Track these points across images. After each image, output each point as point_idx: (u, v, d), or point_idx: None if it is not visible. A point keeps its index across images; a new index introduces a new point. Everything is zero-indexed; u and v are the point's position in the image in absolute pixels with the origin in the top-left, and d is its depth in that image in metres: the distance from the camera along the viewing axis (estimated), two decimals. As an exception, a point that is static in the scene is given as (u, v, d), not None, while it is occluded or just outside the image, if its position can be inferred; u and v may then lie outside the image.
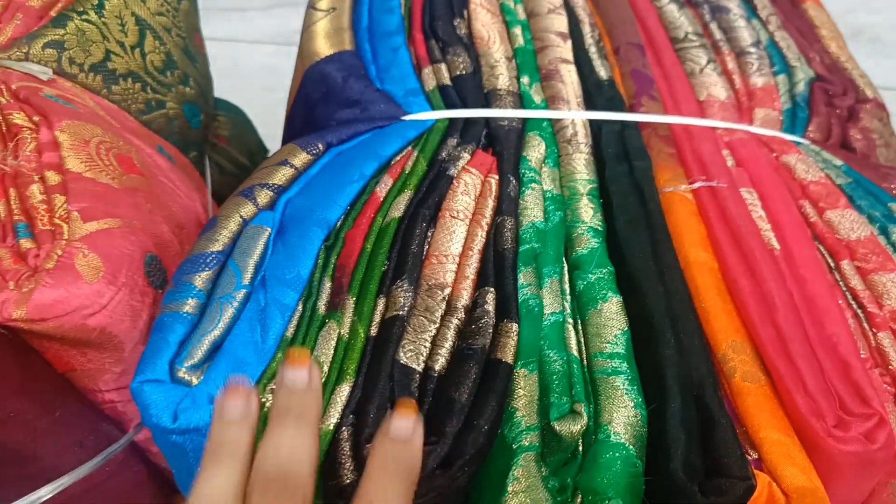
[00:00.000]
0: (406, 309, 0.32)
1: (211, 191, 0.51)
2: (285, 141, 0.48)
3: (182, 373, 0.29)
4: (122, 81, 0.47)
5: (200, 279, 0.32)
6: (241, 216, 0.35)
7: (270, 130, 0.73)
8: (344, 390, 0.29)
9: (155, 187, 0.40)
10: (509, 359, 0.31)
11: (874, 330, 0.34)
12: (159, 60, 0.49)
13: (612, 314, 0.33)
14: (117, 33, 0.47)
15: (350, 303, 0.32)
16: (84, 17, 0.46)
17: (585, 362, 0.33)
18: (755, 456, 0.30)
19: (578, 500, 0.29)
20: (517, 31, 0.47)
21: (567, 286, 0.35)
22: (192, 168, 0.49)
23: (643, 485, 0.29)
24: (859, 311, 0.35)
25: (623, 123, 0.41)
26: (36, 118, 0.40)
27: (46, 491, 0.36)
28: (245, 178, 0.62)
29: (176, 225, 0.39)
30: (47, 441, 0.34)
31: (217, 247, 0.34)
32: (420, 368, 0.31)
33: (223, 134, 0.59)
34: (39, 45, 0.44)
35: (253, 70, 0.62)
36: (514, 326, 0.32)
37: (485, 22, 0.47)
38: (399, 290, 0.32)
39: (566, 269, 0.36)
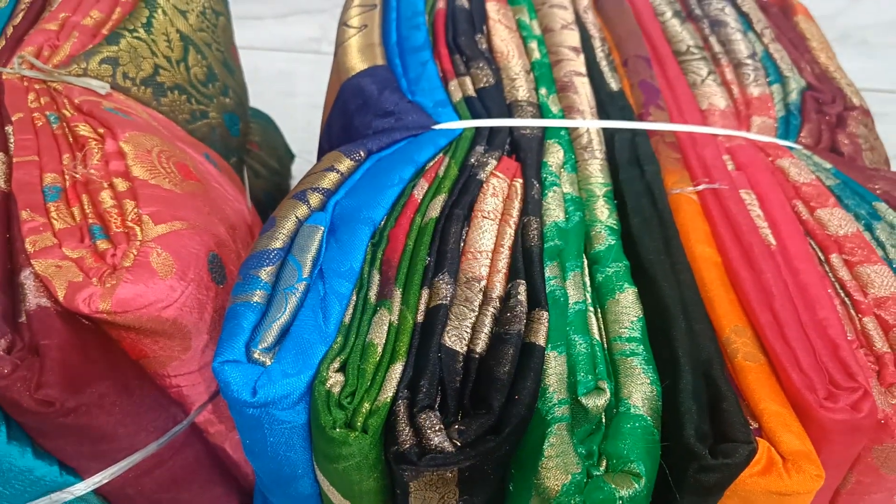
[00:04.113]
0: (448, 299, 0.36)
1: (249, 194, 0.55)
2: (322, 146, 0.52)
3: (257, 354, 0.33)
4: (169, 94, 0.51)
5: (265, 272, 0.36)
6: (296, 216, 0.39)
7: (290, 135, 0.77)
8: (397, 368, 0.34)
9: (209, 192, 0.44)
10: (542, 342, 0.35)
11: (860, 315, 0.38)
12: (202, 73, 0.53)
13: (628, 303, 0.38)
14: (164, 49, 0.51)
15: (397, 293, 0.37)
16: (135, 34, 0.50)
17: (606, 345, 0.37)
18: (755, 425, 0.34)
19: (604, 464, 0.33)
20: (533, 45, 0.51)
21: (587, 279, 0.39)
22: (234, 173, 0.53)
23: (660, 450, 0.33)
24: (846, 299, 0.39)
25: (633, 131, 0.46)
26: (101, 130, 0.44)
27: (119, 467, 0.40)
28: (276, 181, 0.66)
29: (230, 226, 0.43)
30: (125, 421, 0.38)
31: (278, 244, 0.38)
32: (463, 350, 0.35)
33: (255, 140, 0.63)
34: (96, 62, 0.48)
35: (271, 76, 0.66)
36: (545, 314, 0.36)
37: (503, 37, 0.51)
38: (441, 282, 0.37)
39: (586, 263, 0.40)
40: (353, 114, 0.47)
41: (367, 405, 0.33)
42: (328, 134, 0.50)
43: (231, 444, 0.45)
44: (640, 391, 0.34)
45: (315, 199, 0.40)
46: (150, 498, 0.43)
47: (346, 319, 0.36)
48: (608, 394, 0.34)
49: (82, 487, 0.39)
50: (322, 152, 0.52)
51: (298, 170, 0.75)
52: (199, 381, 0.41)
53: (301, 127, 0.75)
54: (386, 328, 0.35)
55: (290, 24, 0.92)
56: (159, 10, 0.51)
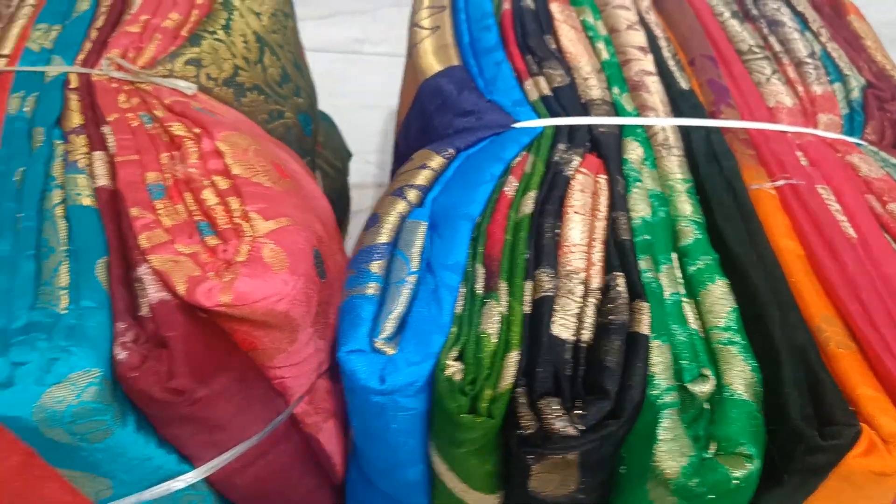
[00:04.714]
0: (552, 291, 0.38)
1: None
2: (399, 146, 0.53)
3: (379, 344, 0.35)
4: (248, 94, 0.52)
5: (376, 266, 0.38)
6: (398, 212, 0.41)
7: (342, 134, 0.78)
8: (513, 357, 0.35)
9: (302, 190, 0.45)
10: (646, 331, 0.36)
11: (939, 305, 0.40)
12: (277, 74, 0.54)
13: (721, 294, 0.39)
14: (242, 50, 0.52)
15: (503, 286, 0.38)
16: (215, 36, 0.51)
17: (703, 335, 0.38)
18: (853, 410, 0.36)
19: (712, 447, 0.35)
20: (600, 45, 0.53)
21: (678, 272, 0.41)
22: (311, 172, 0.54)
23: (765, 434, 0.35)
24: (925, 289, 0.41)
25: (707, 128, 0.47)
26: (196, 130, 0.45)
27: (230, 455, 0.41)
28: (340, 179, 0.67)
29: (323, 223, 0.45)
30: (240, 411, 0.39)
31: (384, 239, 0.39)
32: (571, 339, 0.36)
33: (320, 140, 0.64)
34: (181, 63, 0.49)
35: (319, 78, 0.67)
36: (645, 305, 0.37)
37: (571, 38, 0.53)
38: (543, 274, 0.38)
39: (675, 257, 0.42)
40: (432, 114, 0.49)
41: (489, 392, 0.34)
42: (406, 134, 0.51)
43: (324, 435, 0.47)
44: (742, 378, 0.36)
45: (413, 196, 0.42)
46: (253, 488, 0.44)
47: (458, 310, 0.37)
48: (713, 380, 0.36)
49: (195, 475, 0.40)
50: (399, 151, 0.53)
51: (353, 168, 0.76)
52: (302, 372, 0.43)
53: (350, 127, 0.76)
54: (497, 319, 0.37)
55: (332, 26, 0.93)
56: (236, 13, 0.53)
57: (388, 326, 0.36)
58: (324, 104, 0.79)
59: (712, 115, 0.49)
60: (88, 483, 0.38)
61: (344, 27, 0.93)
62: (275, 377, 0.42)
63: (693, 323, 0.39)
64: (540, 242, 0.40)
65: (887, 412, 0.35)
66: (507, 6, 0.55)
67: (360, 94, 0.85)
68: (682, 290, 0.40)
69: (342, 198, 0.68)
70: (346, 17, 0.94)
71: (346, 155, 0.71)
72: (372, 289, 0.37)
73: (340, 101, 0.77)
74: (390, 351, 0.35)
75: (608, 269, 0.39)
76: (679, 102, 0.49)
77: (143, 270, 0.38)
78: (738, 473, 0.33)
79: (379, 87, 0.89)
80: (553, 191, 0.42)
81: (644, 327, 0.36)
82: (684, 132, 0.47)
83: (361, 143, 0.77)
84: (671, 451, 0.33)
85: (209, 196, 0.42)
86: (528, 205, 0.42)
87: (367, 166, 0.83)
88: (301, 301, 0.39)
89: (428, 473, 0.39)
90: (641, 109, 0.49)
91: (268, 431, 0.42)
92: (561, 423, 0.33)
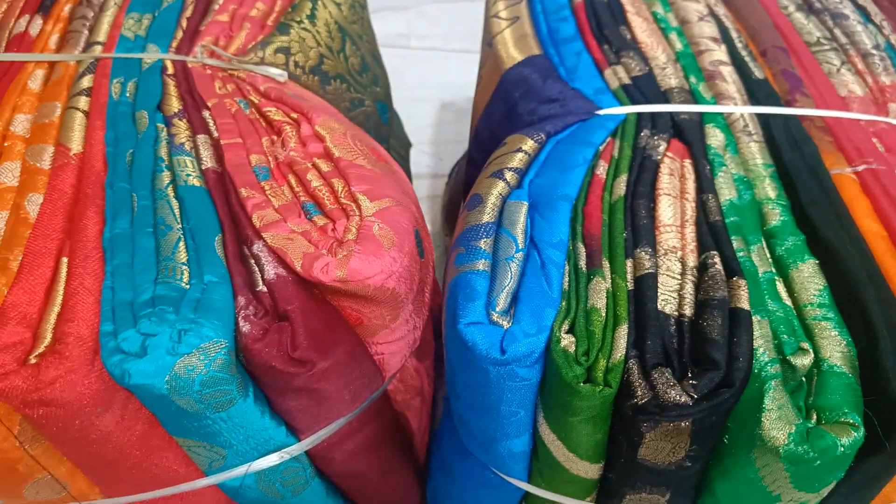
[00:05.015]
0: (653, 268, 0.39)
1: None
2: (480, 132, 0.54)
3: (496, 317, 0.36)
4: (332, 82, 0.54)
5: (484, 244, 0.39)
6: (498, 192, 0.42)
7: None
8: (623, 330, 0.36)
9: (396, 174, 0.47)
10: (746, 306, 0.38)
11: None
12: (357, 63, 0.56)
13: (811, 272, 0.41)
14: (326, 39, 0.54)
15: (606, 263, 0.40)
16: (301, 25, 0.53)
17: (797, 312, 0.40)
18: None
19: (813, 417, 0.36)
20: (673, 36, 0.54)
21: (767, 252, 0.42)
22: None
23: (863, 404, 0.36)
24: None
25: (785, 116, 0.49)
26: (293, 115, 0.47)
27: (331, 428, 0.43)
28: (405, 167, 0.68)
29: (416, 206, 0.46)
30: (347, 385, 0.41)
31: (488, 218, 0.41)
32: (674, 314, 0.38)
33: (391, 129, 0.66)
34: (272, 50, 0.51)
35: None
36: (743, 282, 0.39)
37: (644, 29, 0.54)
38: (643, 253, 0.40)
39: (763, 238, 0.43)
40: (517, 101, 0.50)
41: (603, 362, 0.35)
42: (488, 120, 0.53)
43: (412, 412, 0.48)
44: (839, 351, 0.37)
45: (511, 177, 0.43)
46: (348, 463, 0.45)
47: (565, 286, 0.38)
48: (812, 354, 0.37)
49: (300, 447, 0.42)
50: (480, 138, 0.54)
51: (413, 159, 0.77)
52: (399, 349, 0.44)
53: (402, 119, 0.77)
54: (604, 294, 0.38)
55: (377, 21, 0.94)
56: (319, 3, 0.54)
57: (502, 300, 0.37)
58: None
59: (787, 104, 0.50)
60: (204, 453, 0.40)
61: (389, 22, 0.94)
62: (376, 353, 0.43)
63: (787, 300, 0.40)
64: (636, 223, 0.41)
65: (982, 384, 0.37)
66: (578, -1, 0.56)
67: (409, 88, 0.86)
68: (774, 269, 0.41)
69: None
70: (391, 12, 0.96)
71: (408, 144, 0.72)
72: (482, 265, 0.38)
73: (399, 94, 0.78)
74: (506, 324, 0.36)
75: (702, 248, 0.41)
76: (755, 91, 0.50)
77: (258, 248, 0.39)
78: (844, 441, 0.34)
79: (426, 81, 0.90)
80: (643, 174, 0.44)
81: (744, 303, 0.38)
82: (762, 120, 0.49)
83: (414, 134, 0.79)
84: (779, 420, 0.35)
85: (313, 178, 0.43)
86: (621, 187, 0.43)
87: (422, 156, 0.84)
88: (406, 278, 0.41)
89: (531, 445, 0.41)
90: (719, 98, 0.50)
91: (365, 406, 0.44)
92: (675, 392, 0.34)
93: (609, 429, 0.38)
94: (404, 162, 0.67)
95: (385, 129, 0.59)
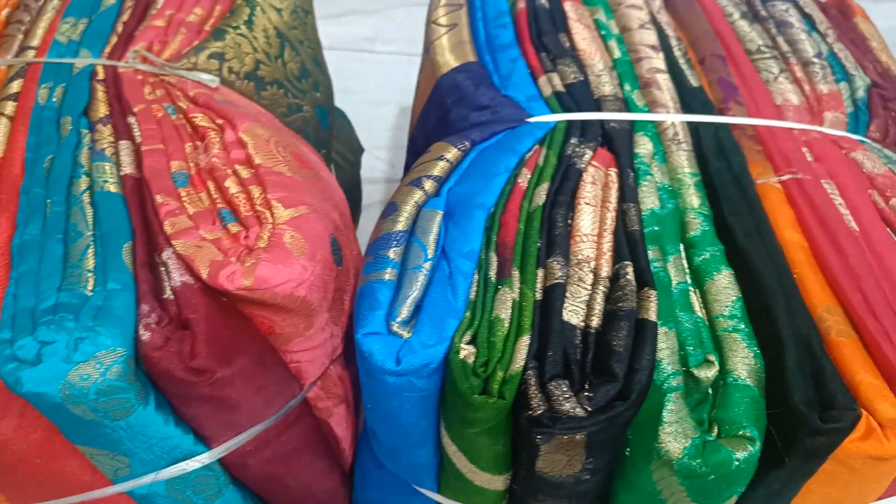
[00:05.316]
0: (563, 278, 0.39)
1: (335, 184, 0.58)
2: (416, 138, 0.54)
3: (395, 327, 0.36)
4: (269, 88, 0.54)
5: (393, 252, 0.39)
6: (415, 201, 0.42)
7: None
8: (525, 341, 0.36)
9: (320, 180, 0.47)
10: (653, 318, 0.37)
11: (940, 298, 0.41)
12: (296, 69, 0.56)
13: (726, 284, 0.40)
14: (263, 45, 0.54)
15: (516, 273, 0.39)
16: (238, 30, 0.52)
17: (708, 323, 0.40)
18: (852, 395, 0.37)
19: (714, 430, 0.36)
20: (613, 44, 0.54)
21: (685, 262, 0.42)
22: (326, 164, 0.56)
23: (766, 418, 0.36)
24: (926, 283, 0.42)
25: (716, 125, 0.48)
26: (219, 121, 0.46)
27: (245, 436, 0.43)
28: (352, 172, 0.68)
29: (340, 213, 0.46)
30: (257, 393, 0.40)
31: (401, 227, 0.40)
32: (581, 325, 0.37)
33: (334, 134, 0.66)
34: (205, 56, 0.51)
35: (331, 75, 0.68)
36: (653, 293, 0.38)
37: (584, 36, 0.54)
38: (554, 263, 0.39)
39: (682, 248, 0.43)
40: (450, 107, 0.50)
41: (500, 374, 0.35)
42: (423, 126, 0.53)
43: (335, 420, 0.48)
44: (745, 364, 0.37)
45: (430, 186, 0.43)
46: (265, 470, 0.45)
47: (472, 296, 0.38)
48: (717, 366, 0.37)
49: (210, 455, 0.42)
50: (415, 143, 0.54)
51: (365, 163, 0.77)
52: (316, 357, 0.44)
53: (360, 123, 0.77)
54: (510, 304, 0.38)
55: (343, 25, 0.95)
56: (258, 8, 0.54)
57: (405, 310, 0.37)
58: (337, 101, 0.81)
59: (721, 112, 0.50)
60: (107, 461, 0.40)
61: (355, 26, 0.94)
62: (291, 361, 0.43)
63: (699, 311, 0.40)
64: (552, 232, 0.41)
65: (886, 398, 0.36)
66: (522, 5, 0.56)
67: (371, 92, 0.86)
68: (689, 280, 0.41)
69: (354, 191, 0.69)
70: (357, 16, 0.96)
71: (359, 149, 0.72)
72: (389, 274, 0.38)
73: (351, 98, 0.78)
74: (406, 334, 0.36)
75: (618, 258, 0.40)
76: (689, 99, 0.50)
77: (167, 255, 0.39)
78: (740, 455, 0.34)
79: (389, 85, 0.90)
80: (565, 183, 0.44)
81: (652, 314, 0.38)
82: (693, 128, 0.48)
83: (372, 139, 0.79)
84: (675, 433, 0.35)
85: (231, 185, 0.43)
86: (541, 196, 0.43)
87: (377, 162, 0.84)
88: (318, 286, 0.41)
89: (438, 456, 0.41)
90: (652, 106, 0.50)
91: (282, 414, 0.44)
92: (569, 405, 0.34)
93: (510, 441, 0.37)
94: (352, 167, 0.67)
95: (325, 134, 0.59)
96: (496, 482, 0.39)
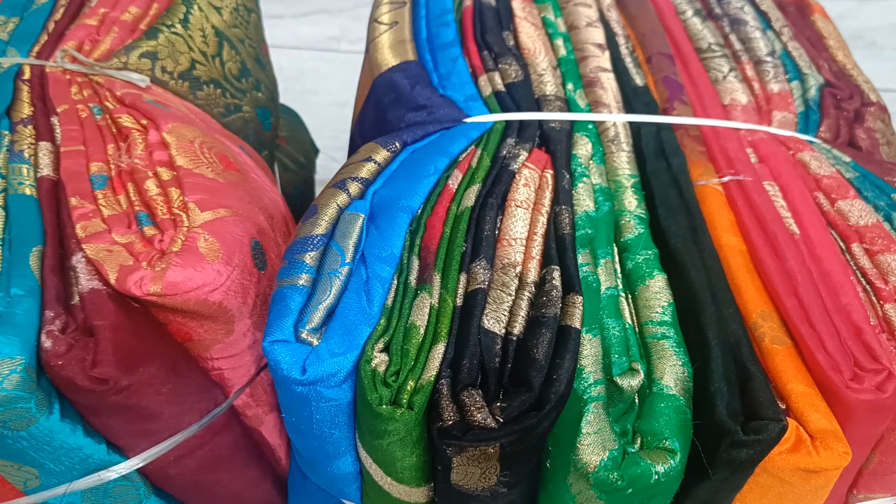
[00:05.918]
0: (486, 284, 0.37)
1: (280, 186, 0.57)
2: (354, 139, 0.53)
3: (304, 335, 0.35)
4: (205, 87, 0.52)
5: (309, 257, 0.38)
6: (337, 204, 0.40)
7: (313, 131, 0.78)
8: (439, 349, 0.35)
9: (249, 182, 0.45)
10: (577, 325, 0.36)
11: (881, 302, 0.40)
12: (236, 68, 0.54)
13: (658, 289, 0.39)
14: (200, 44, 0.52)
15: (437, 278, 0.38)
16: (172, 29, 0.51)
17: (637, 329, 0.38)
18: (783, 406, 0.36)
19: (638, 441, 0.35)
20: (559, 42, 0.52)
21: (618, 266, 0.41)
22: (266, 166, 0.54)
23: (692, 428, 0.35)
24: (868, 287, 0.41)
25: (659, 125, 0.47)
26: (143, 121, 0.45)
27: (164, 446, 0.41)
28: (303, 174, 0.67)
29: (268, 215, 0.45)
30: (172, 402, 0.39)
31: (320, 230, 0.39)
32: (501, 333, 0.36)
33: (283, 135, 0.65)
34: (136, 56, 0.49)
35: (292, 74, 0.67)
36: (579, 298, 0.37)
37: (529, 34, 0.52)
38: (478, 267, 0.38)
39: (616, 251, 0.41)
40: (386, 107, 0.48)
41: (411, 383, 0.34)
42: (361, 127, 0.51)
43: (267, 427, 0.47)
44: (672, 372, 0.36)
45: (354, 188, 0.42)
46: (190, 479, 0.44)
47: (389, 302, 0.37)
48: (642, 374, 0.36)
49: (127, 466, 0.40)
50: (354, 144, 0.53)
51: (322, 164, 0.76)
52: (240, 364, 0.43)
53: (324, 124, 0.76)
54: (427, 311, 0.36)
55: (309, 24, 0.93)
56: (195, 6, 0.53)
57: (316, 317, 0.35)
58: (299, 101, 0.79)
59: (665, 112, 0.49)
60: (15, 472, 0.38)
61: (321, 25, 0.93)
62: (212, 368, 0.42)
63: (628, 317, 0.38)
64: (479, 236, 0.40)
65: (817, 408, 0.35)
66: (468, 2, 0.55)
67: (336, 92, 0.85)
68: (620, 285, 0.40)
69: (306, 193, 0.68)
70: (324, 15, 0.94)
71: (313, 150, 0.71)
72: (303, 279, 0.37)
73: (316, 98, 0.77)
74: (315, 341, 0.35)
75: (546, 262, 0.39)
76: (632, 99, 0.49)
77: (76, 259, 0.38)
78: (659, 468, 0.33)
79: (354, 85, 0.89)
80: (497, 185, 0.42)
81: (576, 320, 0.36)
82: (635, 128, 0.47)
83: (335, 139, 0.77)
84: (593, 445, 0.33)
85: (151, 187, 0.42)
86: (471, 198, 0.41)
87: (333, 164, 0.83)
88: (236, 292, 0.39)
89: (357, 466, 0.39)
90: (594, 106, 0.48)
91: (205, 423, 0.42)
92: (481, 415, 0.33)
93: (426, 452, 0.36)
94: (301, 168, 0.65)
95: (268, 135, 0.57)
96: (415, 494, 0.38)
